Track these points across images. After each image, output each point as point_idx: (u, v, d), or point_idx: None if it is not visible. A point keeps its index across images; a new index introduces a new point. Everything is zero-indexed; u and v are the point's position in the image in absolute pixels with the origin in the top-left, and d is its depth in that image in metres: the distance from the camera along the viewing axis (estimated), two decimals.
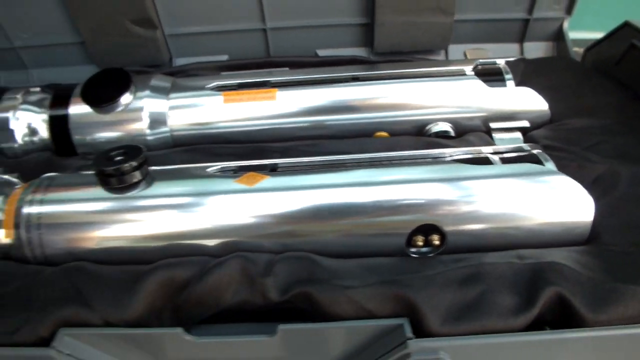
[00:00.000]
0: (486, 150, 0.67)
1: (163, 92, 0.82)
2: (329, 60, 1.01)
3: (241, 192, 0.60)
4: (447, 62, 0.95)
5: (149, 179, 0.63)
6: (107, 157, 0.61)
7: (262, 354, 0.54)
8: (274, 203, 0.59)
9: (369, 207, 0.59)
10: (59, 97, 0.83)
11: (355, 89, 0.81)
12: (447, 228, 0.59)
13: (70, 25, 1.04)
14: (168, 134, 0.81)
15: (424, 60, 1.01)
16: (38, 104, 0.85)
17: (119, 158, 0.61)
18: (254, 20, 1.04)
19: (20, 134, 0.83)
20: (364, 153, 0.72)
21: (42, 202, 0.62)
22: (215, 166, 0.64)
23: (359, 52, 1.10)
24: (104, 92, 0.80)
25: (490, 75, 0.83)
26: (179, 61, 1.10)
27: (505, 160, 0.65)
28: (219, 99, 0.80)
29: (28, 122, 0.84)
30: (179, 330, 0.52)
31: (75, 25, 1.02)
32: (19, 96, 0.84)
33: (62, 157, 0.82)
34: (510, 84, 0.82)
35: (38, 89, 0.89)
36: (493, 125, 0.81)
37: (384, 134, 0.82)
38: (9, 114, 0.82)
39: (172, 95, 0.82)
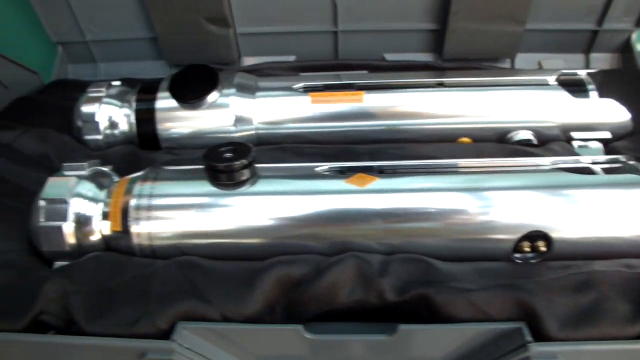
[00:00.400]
0: (585, 160, 0.68)
1: (249, 90, 0.83)
2: (400, 65, 1.01)
3: (353, 192, 0.60)
4: (525, 71, 0.95)
5: (255, 176, 0.63)
6: (217, 154, 0.62)
7: (378, 353, 0.54)
8: (386, 204, 0.60)
9: (479, 212, 0.59)
10: (145, 92, 0.84)
11: (441, 95, 0.82)
12: (554, 235, 0.59)
13: (142, 20, 1.05)
14: (253, 132, 0.82)
15: (501, 69, 1.02)
16: (120, 97, 0.86)
17: (228, 155, 0.62)
18: (325, 22, 1.05)
19: (104, 126, 0.84)
20: (453, 158, 0.74)
21: (151, 195, 0.62)
22: (322, 166, 0.64)
23: (425, 57, 1.10)
24: (191, 88, 0.81)
25: (573, 86, 0.83)
26: (246, 60, 1.11)
27: (606, 171, 0.65)
28: (306, 99, 0.81)
29: (112, 115, 0.84)
30: (299, 327, 0.53)
31: (150, 21, 1.03)
32: (103, 89, 0.85)
33: (145, 150, 0.83)
34: (594, 95, 0.82)
35: (119, 82, 0.90)
36: (575, 135, 0.81)
37: (467, 139, 0.82)
38: (95, 107, 0.83)
39: (259, 94, 0.82)
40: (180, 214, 0.62)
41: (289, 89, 0.83)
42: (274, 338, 0.54)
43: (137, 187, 0.64)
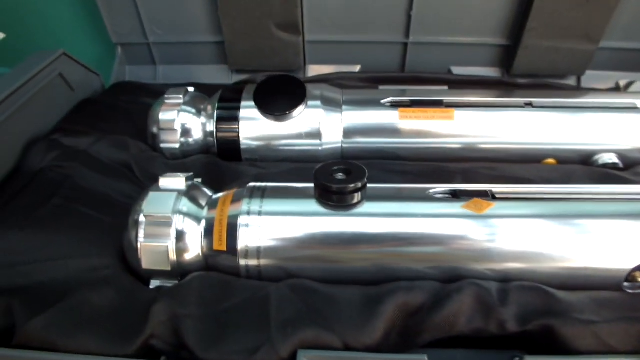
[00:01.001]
0: None
1: (335, 103, 0.81)
2: (471, 80, 0.99)
3: (472, 217, 0.58)
4: (610, 93, 0.93)
5: (366, 198, 0.61)
6: (328, 173, 0.60)
7: None
8: (504, 230, 0.57)
9: (592, 241, 0.58)
10: (227, 100, 0.81)
11: (529, 115, 0.80)
12: None
13: (209, 24, 1.03)
14: (339, 146, 0.80)
15: (582, 89, 1.00)
16: (196, 104, 0.84)
17: (341, 176, 0.60)
18: (396, 33, 1.03)
19: (182, 134, 0.81)
20: (544, 179, 0.72)
21: (260, 213, 0.60)
22: (434, 188, 0.62)
23: (491, 72, 1.09)
24: (277, 100, 0.79)
25: None
26: (311, 68, 1.09)
27: None
28: (394, 114, 0.79)
29: (188, 123, 0.82)
30: (424, 357, 0.51)
31: (217, 25, 1.00)
32: (181, 96, 0.82)
33: (225, 160, 0.80)
34: None
35: (192, 89, 0.87)
36: None
37: (552, 161, 0.81)
38: (174, 114, 0.81)
39: (345, 107, 0.80)
40: (291, 233, 0.59)
41: (377, 103, 0.80)
42: None
43: (245, 204, 0.61)
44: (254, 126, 0.79)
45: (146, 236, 0.59)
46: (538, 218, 0.59)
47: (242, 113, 0.80)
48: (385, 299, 0.54)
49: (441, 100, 0.81)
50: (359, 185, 0.59)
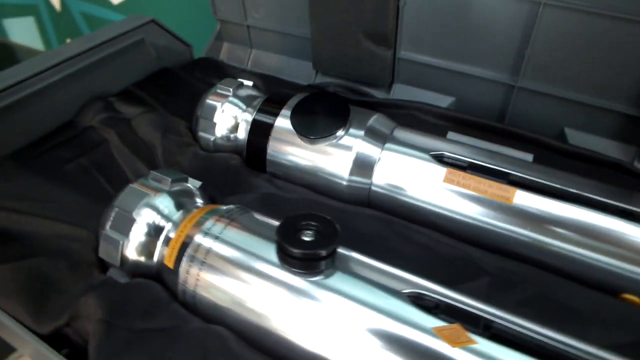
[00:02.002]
0: None
1: (380, 138, 0.69)
2: (581, 154, 0.77)
3: (435, 350, 0.44)
4: None
5: (332, 267, 0.51)
6: (294, 228, 0.50)
7: None
8: None
9: None
10: (269, 105, 0.75)
11: (622, 226, 0.58)
12: None
13: (303, 19, 0.97)
14: (367, 189, 0.69)
15: None
16: (247, 101, 0.79)
17: (308, 236, 0.50)
18: (503, 71, 0.85)
19: (220, 128, 0.78)
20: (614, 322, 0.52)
21: (217, 238, 0.54)
22: (411, 289, 0.49)
23: (616, 148, 0.84)
24: (315, 121, 0.70)
25: None
26: (398, 88, 0.96)
27: None
28: (440, 172, 0.65)
29: (230, 119, 0.78)
30: None
31: (310, 22, 0.94)
32: (231, 89, 0.78)
33: (249, 168, 0.75)
34: None
35: (251, 83, 0.83)
36: None
37: (635, 298, 0.58)
38: (218, 105, 0.78)
39: (388, 145, 0.68)
40: (234, 276, 0.52)
41: (425, 151, 0.67)
42: None
43: (208, 224, 0.56)
44: (283, 141, 0.72)
45: (110, 227, 0.58)
46: None
47: (277, 124, 0.73)
48: None
49: (507, 174, 0.64)
50: (324, 254, 0.49)
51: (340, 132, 0.69)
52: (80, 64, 0.81)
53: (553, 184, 0.62)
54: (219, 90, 0.79)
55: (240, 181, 0.73)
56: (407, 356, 0.44)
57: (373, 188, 0.69)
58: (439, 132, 0.74)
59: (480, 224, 0.63)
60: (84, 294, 0.54)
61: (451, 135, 0.74)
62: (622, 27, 0.73)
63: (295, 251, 0.49)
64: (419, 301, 0.48)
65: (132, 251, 0.57)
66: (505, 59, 0.83)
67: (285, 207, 0.68)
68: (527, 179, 0.63)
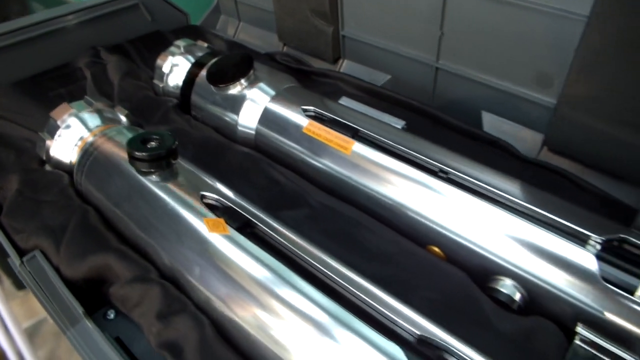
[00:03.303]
0: None
1: (272, 92, 0.82)
2: (474, 133, 0.83)
3: (194, 231, 0.57)
4: (580, 211, 0.63)
5: (167, 173, 0.65)
6: (142, 140, 0.66)
7: None
8: (215, 261, 0.55)
9: None
10: (200, 61, 0.91)
11: (435, 184, 0.65)
12: None
13: None
14: (252, 134, 0.82)
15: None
16: (194, 57, 0.95)
17: (150, 144, 0.65)
18: (428, 52, 0.92)
19: (168, 77, 0.95)
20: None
21: (104, 142, 0.71)
22: (211, 192, 0.62)
23: (529, 135, 0.87)
24: (224, 73, 0.84)
25: (623, 265, 0.56)
26: (347, 63, 1.07)
27: None
28: (303, 123, 0.76)
29: (179, 70, 0.95)
30: None
31: None
32: (182, 46, 0.95)
33: (179, 111, 0.92)
34: None
35: (205, 45, 0.99)
36: (583, 331, 0.55)
37: (440, 252, 0.65)
38: (169, 58, 0.95)
39: (275, 98, 0.81)
40: (103, 171, 0.69)
41: (299, 106, 0.78)
42: None
43: (105, 131, 0.73)
44: (201, 88, 0.88)
45: (45, 130, 0.78)
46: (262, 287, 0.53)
47: (201, 74, 0.88)
48: (101, 254, 0.60)
49: (356, 130, 0.73)
50: (152, 155, 0.64)
51: (243, 82, 0.82)
52: (80, 18, 1.04)
53: (390, 142, 0.70)
54: (173, 47, 0.97)
55: (167, 118, 0.89)
56: (183, 232, 0.58)
57: (257, 132, 0.82)
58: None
59: (321, 166, 0.73)
60: (15, 173, 0.75)
61: (343, 100, 0.84)
62: (528, 16, 0.78)
63: (136, 153, 0.64)
64: (208, 201, 0.61)
65: (55, 149, 0.77)
66: (428, 40, 0.90)
67: (185, 140, 0.83)
68: (370, 135, 0.72)
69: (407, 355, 0.44)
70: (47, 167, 0.79)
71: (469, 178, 0.65)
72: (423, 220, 0.66)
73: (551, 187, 0.67)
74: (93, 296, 0.61)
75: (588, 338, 0.54)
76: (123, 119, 0.82)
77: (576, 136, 0.78)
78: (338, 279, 0.52)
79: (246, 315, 0.50)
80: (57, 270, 0.62)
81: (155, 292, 0.55)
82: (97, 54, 1.05)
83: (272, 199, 0.71)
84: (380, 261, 0.63)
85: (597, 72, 0.71)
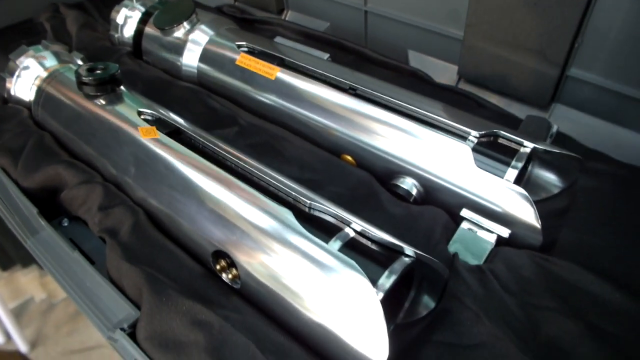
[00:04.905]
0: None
1: (211, 33, 0.91)
2: (395, 66, 0.92)
3: (131, 139, 0.66)
4: (465, 115, 0.73)
5: (112, 97, 0.74)
6: (90, 68, 0.75)
7: None
8: (148, 160, 0.64)
9: None
10: (149, 11, 0.99)
11: (345, 99, 0.74)
12: None
13: None
14: (195, 71, 0.91)
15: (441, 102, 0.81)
16: (146, 8, 1.04)
17: (97, 72, 0.74)
18: None
19: (123, 28, 1.04)
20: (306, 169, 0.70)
21: (58, 75, 0.80)
22: (148, 110, 0.72)
23: (447, 68, 0.97)
24: (170, 17, 0.93)
25: (494, 154, 0.66)
26: (291, 14, 1.15)
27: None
28: (236, 56, 0.85)
29: (130, 21, 1.03)
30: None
31: None
32: (134, 1, 1.04)
33: (133, 57, 1.00)
34: (510, 175, 0.64)
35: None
36: (466, 213, 0.65)
37: (351, 159, 0.75)
38: (122, 11, 1.03)
39: (213, 39, 0.90)
40: (58, 99, 0.78)
41: (233, 42, 0.87)
42: None
43: (59, 68, 0.82)
44: (149, 35, 0.97)
45: (6, 71, 0.86)
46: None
47: (149, 22, 0.97)
48: (52, 165, 0.70)
49: (282, 60, 0.83)
50: (96, 80, 0.73)
51: (185, 25, 0.91)
52: None
53: (310, 68, 0.80)
54: (125, 2, 1.05)
55: (119, 62, 0.98)
56: (121, 140, 0.67)
57: (197, 69, 0.91)
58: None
59: (251, 92, 0.83)
60: None
61: (278, 39, 0.93)
62: None
63: (85, 78, 0.73)
64: (145, 117, 0.71)
65: (14, 87, 0.85)
66: None
67: (135, 78, 0.92)
68: (293, 62, 0.81)
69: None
70: (9, 105, 0.88)
71: (373, 92, 0.75)
72: (335, 132, 0.75)
73: (459, 108, 0.76)
74: (48, 206, 0.70)
75: (471, 218, 0.65)
76: (79, 62, 0.90)
77: (481, 63, 0.88)
78: (255, 171, 0.61)
79: (173, 205, 0.60)
80: (15, 183, 0.71)
81: (98, 191, 0.64)
82: (57, 9, 1.13)
83: (207, 122, 0.81)
84: (298, 167, 0.73)
85: (493, 2, 0.81)
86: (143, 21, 0.99)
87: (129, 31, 1.03)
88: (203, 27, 0.91)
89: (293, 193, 0.57)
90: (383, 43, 1.04)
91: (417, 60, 1.00)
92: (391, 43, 1.02)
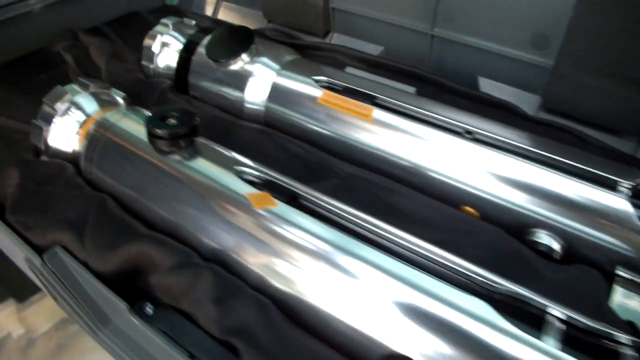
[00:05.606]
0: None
1: (276, 65, 0.80)
2: (480, 97, 0.84)
3: (243, 206, 0.55)
4: (596, 158, 0.67)
5: (192, 150, 0.62)
6: (161, 117, 0.62)
7: None
8: (269, 237, 0.53)
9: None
10: (196, 37, 0.87)
11: (463, 145, 0.66)
12: None
13: None
14: (262, 109, 0.80)
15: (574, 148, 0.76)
16: (184, 36, 0.91)
17: (170, 122, 0.62)
18: (422, 21, 0.92)
19: (159, 57, 0.90)
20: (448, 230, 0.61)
21: (112, 126, 0.67)
22: (244, 167, 0.60)
23: (525, 97, 0.90)
24: (225, 48, 0.81)
25: None
26: (337, 36, 1.06)
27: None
28: (317, 94, 0.75)
29: (169, 49, 0.90)
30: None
31: None
32: (170, 24, 0.91)
33: (177, 91, 0.88)
34: None
35: (193, 22, 0.94)
36: (622, 272, 0.58)
37: (473, 211, 0.66)
38: (158, 37, 0.90)
39: (282, 72, 0.79)
40: (119, 156, 0.65)
41: (310, 77, 0.77)
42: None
43: (109, 115, 0.69)
44: (200, 66, 0.84)
45: (39, 117, 0.72)
46: (320, 258, 0.52)
47: (198, 51, 0.85)
48: (135, 243, 0.57)
49: (374, 97, 0.73)
50: (179, 132, 0.61)
51: (244, 57, 0.80)
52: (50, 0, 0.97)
53: (410, 106, 0.71)
54: (161, 26, 0.92)
55: (165, 100, 0.85)
56: (226, 211, 0.56)
57: (266, 108, 0.80)
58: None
59: (343, 137, 0.73)
60: (10, 166, 0.69)
61: (349, 69, 0.83)
62: None
63: (158, 131, 0.61)
64: (244, 175, 0.59)
65: (52, 137, 0.71)
66: (423, 8, 0.91)
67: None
68: (388, 100, 0.72)
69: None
70: (44, 158, 0.74)
71: (493, 136, 0.67)
72: (453, 182, 0.67)
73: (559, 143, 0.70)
74: (122, 289, 0.58)
75: (628, 279, 0.58)
76: (120, 101, 0.77)
77: (576, 94, 0.81)
78: (403, 243, 0.51)
79: (312, 291, 0.49)
80: (84, 264, 0.57)
81: (206, 277, 0.52)
82: (75, 37, 0.98)
83: (296, 173, 0.70)
84: (420, 225, 0.63)
85: (595, 29, 0.75)
86: (188, 50, 0.87)
87: (166, 61, 0.90)
88: (265, 59, 0.80)
89: (477, 277, 0.48)
90: (447, 68, 0.96)
91: (489, 88, 0.93)
92: (459, 69, 0.95)
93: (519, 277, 0.58)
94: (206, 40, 0.85)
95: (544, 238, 0.63)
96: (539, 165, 0.63)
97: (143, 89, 0.87)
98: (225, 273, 0.54)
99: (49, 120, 0.71)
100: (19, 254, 0.61)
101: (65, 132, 0.71)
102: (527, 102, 0.91)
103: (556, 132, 0.80)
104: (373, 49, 1.02)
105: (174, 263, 0.54)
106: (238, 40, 0.82)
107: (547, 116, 0.87)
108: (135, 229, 0.59)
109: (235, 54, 0.79)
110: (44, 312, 1.01)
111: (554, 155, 0.64)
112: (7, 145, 0.75)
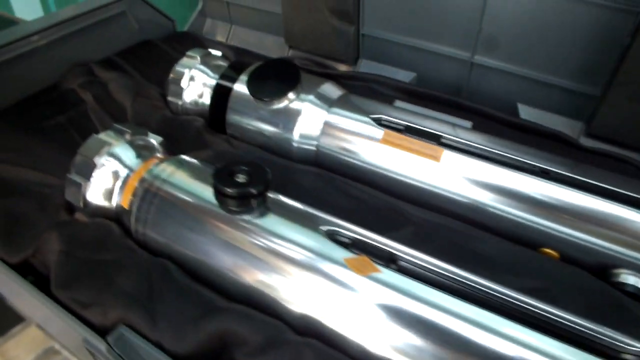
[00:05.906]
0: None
1: (327, 102, 0.75)
2: (525, 126, 0.82)
3: (339, 276, 0.50)
4: None
5: (264, 208, 0.57)
6: (229, 172, 0.57)
7: None
8: (377, 309, 0.48)
9: None
10: (229, 73, 0.81)
11: (540, 185, 0.64)
12: None
13: None
14: (313, 149, 0.75)
15: None
16: (214, 69, 0.85)
17: (241, 178, 0.56)
18: (461, 48, 0.90)
19: (187, 93, 0.84)
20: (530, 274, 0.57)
21: (164, 182, 0.61)
22: (330, 225, 0.55)
23: (564, 123, 0.89)
24: (269, 84, 0.76)
25: None
26: (364, 63, 1.02)
27: None
28: (377, 134, 0.70)
29: (198, 84, 0.84)
30: None
31: None
32: (199, 57, 0.85)
33: (211, 130, 0.81)
34: None
35: (219, 53, 0.89)
36: None
37: (554, 252, 0.64)
38: (186, 72, 0.84)
39: (333, 109, 0.74)
40: (179, 215, 0.59)
41: (367, 115, 0.72)
42: None
43: (159, 169, 0.62)
44: (240, 103, 0.78)
45: (74, 171, 0.64)
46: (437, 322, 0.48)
47: (236, 88, 0.79)
48: (212, 317, 0.51)
49: (439, 136, 0.69)
50: (253, 192, 0.55)
51: (290, 95, 0.75)
52: (63, 32, 0.88)
53: (479, 145, 0.68)
54: (187, 58, 0.85)
55: (200, 141, 0.79)
56: (321, 283, 0.50)
57: (318, 148, 0.75)
58: (390, 102, 0.80)
59: (411, 180, 0.69)
60: (48, 230, 0.61)
61: (398, 103, 0.79)
62: (569, 6, 0.78)
63: (229, 190, 0.55)
64: (334, 235, 0.54)
65: (92, 193, 0.64)
66: (462, 36, 0.88)
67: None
68: (457, 140, 0.69)
69: None
70: (77, 216, 0.67)
71: (567, 174, 0.64)
72: (532, 223, 0.64)
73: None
74: None
75: None
76: (155, 143, 0.70)
77: (626, 121, 0.80)
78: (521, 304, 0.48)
79: None
80: (158, 346, 0.51)
81: (306, 355, 0.47)
82: (90, 72, 0.90)
83: (363, 220, 0.65)
84: (509, 273, 0.60)
85: None
86: (223, 86, 0.81)
87: (195, 96, 0.84)
88: (313, 97, 0.75)
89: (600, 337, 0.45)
90: (485, 95, 0.94)
91: (529, 115, 0.91)
92: (495, 95, 0.93)
93: (616, 325, 0.56)
94: (244, 75, 0.79)
95: (628, 279, 0.61)
96: (617, 203, 0.61)
97: (175, 129, 0.81)
98: (325, 347, 0.49)
99: (87, 174, 0.64)
100: (74, 336, 0.54)
101: (106, 188, 0.64)
102: (569, 128, 0.89)
103: (614, 162, 0.79)
104: (404, 76, 0.99)
105: (265, 340, 0.49)
106: (283, 76, 0.76)
107: (592, 143, 0.86)
108: (212, 300, 0.53)
109: (282, 93, 0.74)
110: (26, 344, 0.93)
111: (629, 192, 0.62)
112: (38, 202, 0.67)
